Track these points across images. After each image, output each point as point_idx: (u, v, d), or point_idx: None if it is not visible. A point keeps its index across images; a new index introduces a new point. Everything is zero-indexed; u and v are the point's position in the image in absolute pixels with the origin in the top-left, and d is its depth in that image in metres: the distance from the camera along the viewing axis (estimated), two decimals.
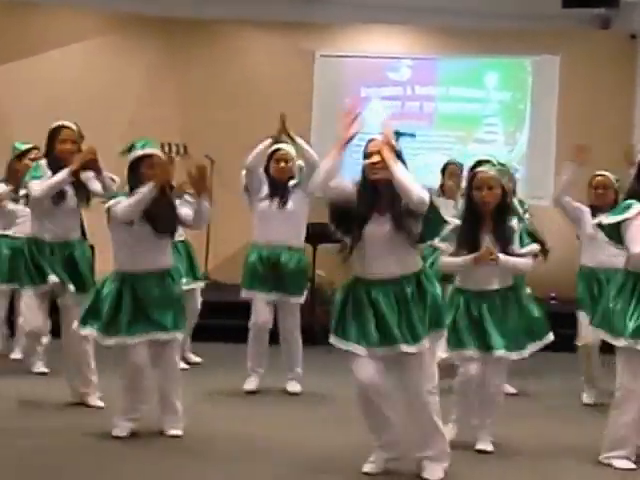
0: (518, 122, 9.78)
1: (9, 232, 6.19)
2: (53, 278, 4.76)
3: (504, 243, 3.93)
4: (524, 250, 4.01)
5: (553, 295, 8.12)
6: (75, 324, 4.28)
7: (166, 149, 8.73)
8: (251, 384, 5.18)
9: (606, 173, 5.44)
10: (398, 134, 3.90)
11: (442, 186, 6.40)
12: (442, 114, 9.84)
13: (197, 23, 9.55)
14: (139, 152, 4.32)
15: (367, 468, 3.62)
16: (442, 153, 8.67)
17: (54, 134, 5.14)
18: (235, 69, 9.66)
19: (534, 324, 4.49)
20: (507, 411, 4.19)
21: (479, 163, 4.22)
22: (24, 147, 6.13)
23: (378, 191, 3.51)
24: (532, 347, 4.31)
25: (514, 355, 4.08)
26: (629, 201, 4.09)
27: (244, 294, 5.35)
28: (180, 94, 9.35)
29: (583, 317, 5.22)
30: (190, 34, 9.56)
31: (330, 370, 5.21)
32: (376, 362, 3.49)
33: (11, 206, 6.15)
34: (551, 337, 4.53)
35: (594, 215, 5.08)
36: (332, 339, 3.64)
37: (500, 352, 3.92)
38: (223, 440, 4.12)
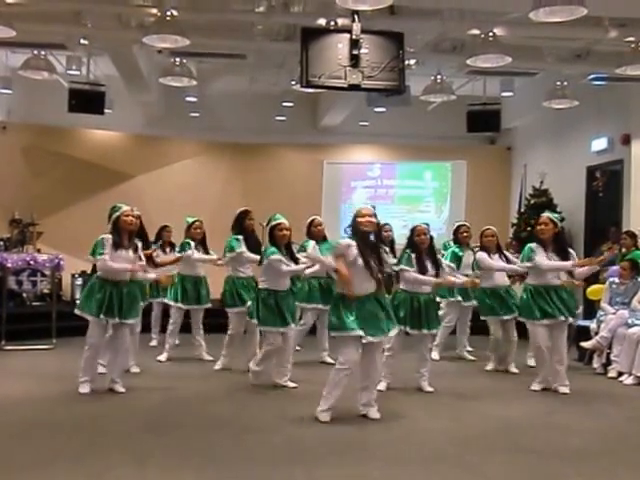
0: (443, 200, 13.41)
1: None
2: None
3: None
4: None
5: None
6: None
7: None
8: None
9: (492, 227, 7.68)
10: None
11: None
12: (399, 196, 13.45)
13: (253, 146, 13.05)
14: (274, 222, 6.39)
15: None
16: (399, 219, 11.42)
17: (244, 215, 7.11)
18: (277, 173, 13.15)
19: None
20: None
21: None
22: (191, 220, 7.88)
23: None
24: None
25: None
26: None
27: None
28: (244, 188, 12.75)
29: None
30: (249, 153, 13.12)
31: None
32: None
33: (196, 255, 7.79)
34: None
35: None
36: None
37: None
38: None
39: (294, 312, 6.70)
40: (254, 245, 7.26)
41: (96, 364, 6.36)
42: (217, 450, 4.75)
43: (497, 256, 7.59)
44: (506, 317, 7.68)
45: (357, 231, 5.33)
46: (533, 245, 6.64)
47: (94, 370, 6.34)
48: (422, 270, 6.45)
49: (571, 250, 6.80)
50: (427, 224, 6.75)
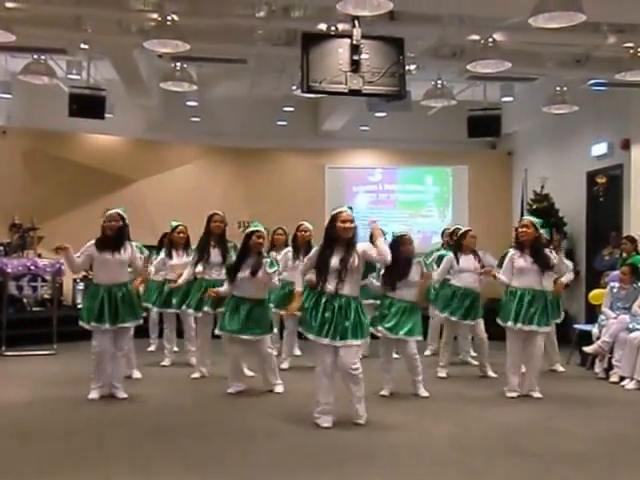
0: (445, 205, 13.39)
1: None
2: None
3: None
4: None
5: None
6: None
7: (240, 224, 11.60)
8: None
9: (456, 227, 8.31)
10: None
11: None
12: (401, 201, 13.39)
13: (255, 150, 12.96)
14: (252, 228, 6.42)
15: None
16: (402, 224, 11.21)
17: (209, 218, 7.12)
18: (278, 178, 13.07)
19: None
20: None
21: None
22: (175, 224, 8.04)
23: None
24: None
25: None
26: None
27: None
28: (245, 192, 12.79)
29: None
30: (250, 157, 13.01)
31: None
32: None
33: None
34: None
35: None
36: None
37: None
38: None
39: (256, 321, 6.46)
40: (222, 251, 7.08)
41: (106, 370, 6.29)
42: (220, 456, 4.74)
43: (471, 257, 7.66)
44: (452, 318, 7.76)
45: (332, 234, 5.34)
46: (511, 249, 6.72)
47: (104, 377, 6.30)
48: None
49: (553, 253, 6.76)
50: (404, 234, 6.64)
